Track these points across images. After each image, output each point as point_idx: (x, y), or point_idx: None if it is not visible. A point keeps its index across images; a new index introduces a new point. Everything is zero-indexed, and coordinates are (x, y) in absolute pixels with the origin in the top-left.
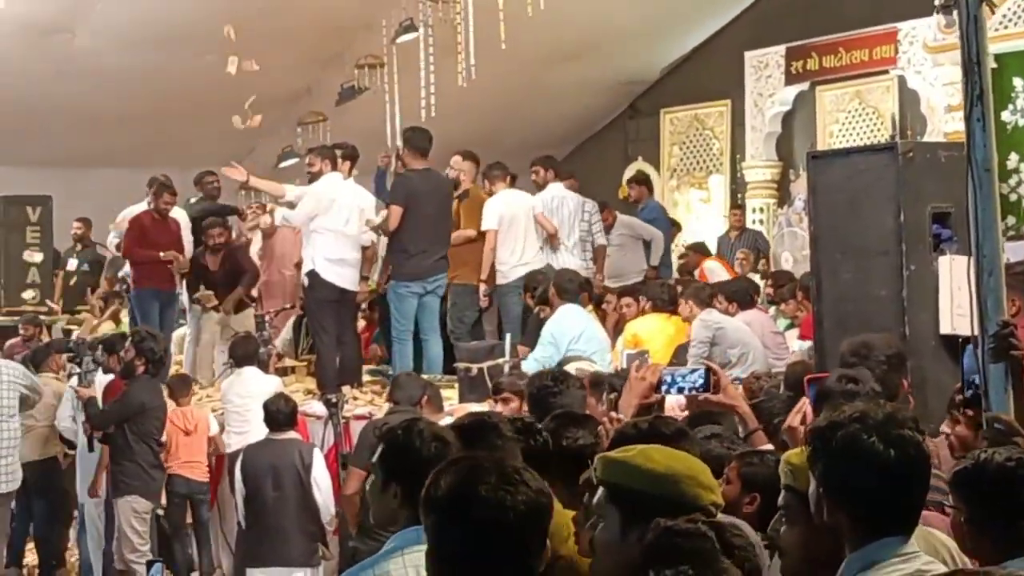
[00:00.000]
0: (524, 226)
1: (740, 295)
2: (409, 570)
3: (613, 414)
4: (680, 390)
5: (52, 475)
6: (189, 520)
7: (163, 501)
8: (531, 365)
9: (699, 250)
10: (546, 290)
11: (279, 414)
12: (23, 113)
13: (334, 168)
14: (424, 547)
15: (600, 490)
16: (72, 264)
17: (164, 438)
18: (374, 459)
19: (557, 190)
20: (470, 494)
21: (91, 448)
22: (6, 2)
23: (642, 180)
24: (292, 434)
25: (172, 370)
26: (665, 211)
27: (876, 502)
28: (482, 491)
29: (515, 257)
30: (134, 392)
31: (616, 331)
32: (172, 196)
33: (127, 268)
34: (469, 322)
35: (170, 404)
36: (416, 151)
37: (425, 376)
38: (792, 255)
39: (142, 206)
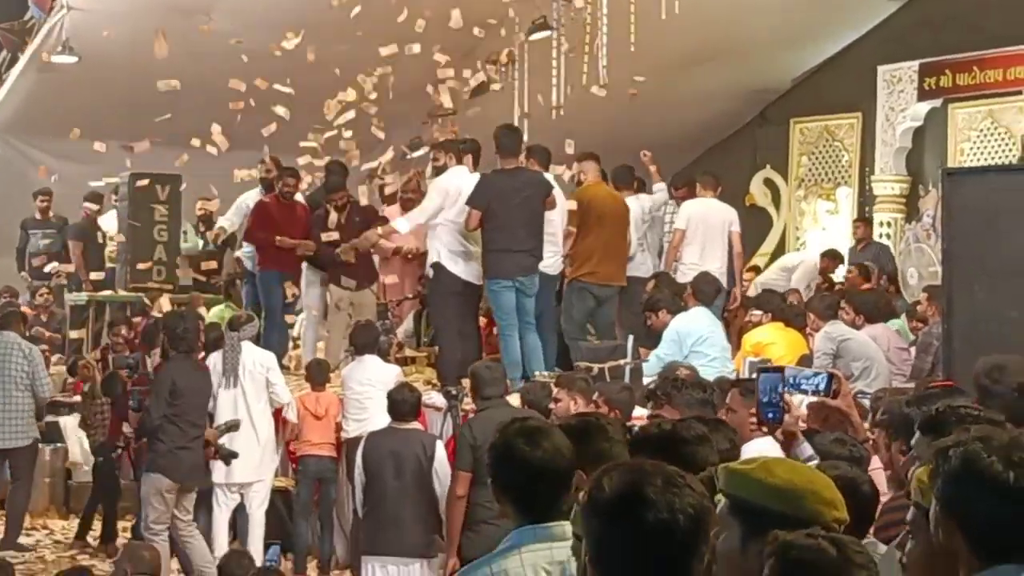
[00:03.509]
0: (714, 234)
1: (869, 307)
2: (527, 568)
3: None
4: (804, 391)
5: None
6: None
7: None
8: (653, 362)
9: (834, 256)
10: (654, 296)
11: (404, 404)
12: (156, 92)
13: (459, 162)
14: (542, 545)
15: (723, 500)
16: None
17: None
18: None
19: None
20: (638, 496)
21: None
22: None
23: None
24: (415, 424)
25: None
26: None
27: (992, 526)
28: (650, 493)
29: (697, 260)
30: (162, 372)
31: (739, 338)
32: (295, 180)
33: (246, 249)
34: (579, 318)
35: (305, 387)
36: (506, 151)
37: (538, 375)
38: (918, 271)
39: (255, 192)
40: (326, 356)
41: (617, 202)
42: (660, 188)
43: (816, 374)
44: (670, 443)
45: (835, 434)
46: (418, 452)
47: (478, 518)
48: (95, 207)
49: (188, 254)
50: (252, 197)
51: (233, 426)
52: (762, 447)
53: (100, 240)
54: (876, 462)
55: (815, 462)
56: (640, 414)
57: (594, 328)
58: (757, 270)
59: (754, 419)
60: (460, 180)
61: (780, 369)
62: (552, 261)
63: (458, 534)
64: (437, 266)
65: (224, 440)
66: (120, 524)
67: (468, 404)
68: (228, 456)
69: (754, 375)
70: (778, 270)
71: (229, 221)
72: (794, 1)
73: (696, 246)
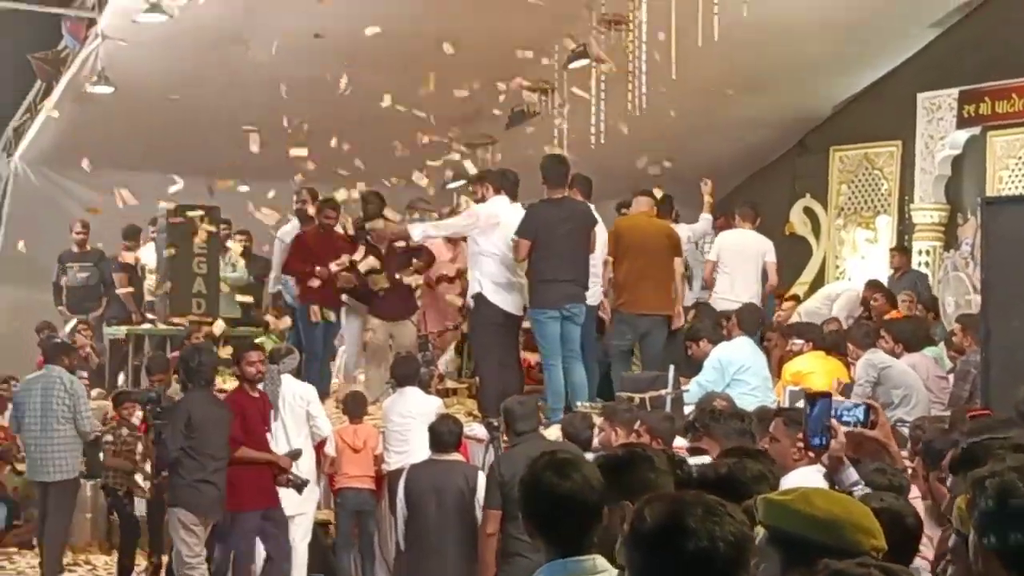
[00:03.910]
0: (747, 266)
1: (907, 336)
2: None
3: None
4: (846, 423)
5: None
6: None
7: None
8: (695, 389)
9: (877, 287)
10: (695, 326)
11: (446, 435)
12: (194, 123)
13: (497, 192)
14: None
15: (762, 531)
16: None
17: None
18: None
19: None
20: (679, 526)
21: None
22: (180, 10)
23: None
24: (456, 456)
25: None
26: None
27: None
28: (691, 522)
29: (728, 290)
30: (180, 406)
31: (779, 367)
32: (334, 212)
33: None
34: (619, 347)
35: (343, 420)
36: (552, 181)
37: (579, 405)
38: (955, 300)
39: (290, 226)
40: (366, 388)
41: (658, 231)
42: (704, 219)
43: (855, 405)
44: (729, 485)
45: (876, 464)
46: (460, 484)
47: (512, 551)
48: (131, 244)
49: (236, 285)
50: (289, 232)
51: (296, 455)
52: (803, 477)
53: (140, 273)
54: (914, 491)
55: (860, 486)
56: (681, 444)
57: (640, 358)
58: (797, 299)
59: (796, 449)
60: (497, 209)
61: (828, 395)
62: (592, 291)
63: (491, 571)
64: (478, 297)
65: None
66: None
67: None
68: (300, 485)
69: (801, 401)
70: (822, 299)
71: (276, 271)
72: (833, 29)
73: (727, 276)
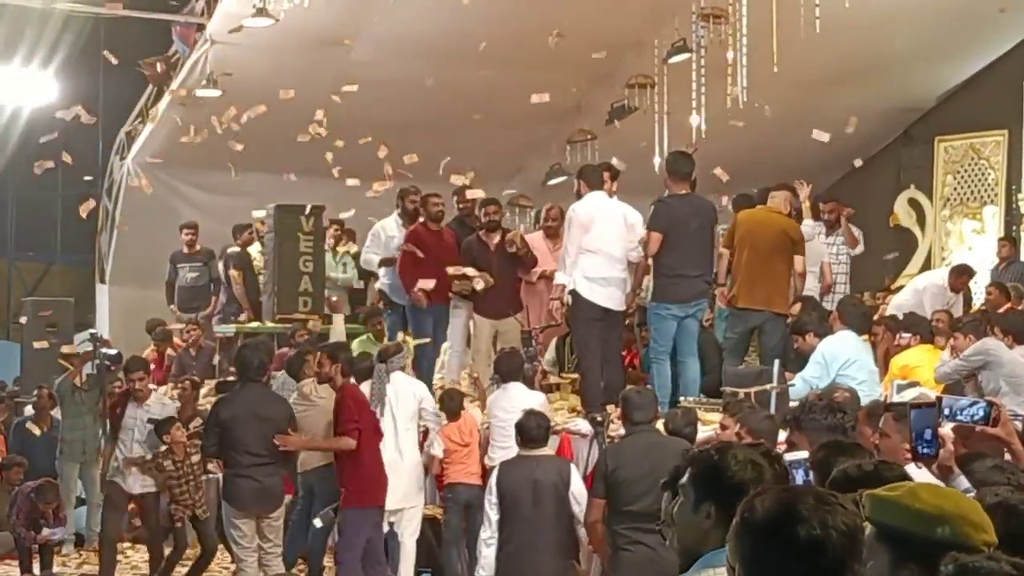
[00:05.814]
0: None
1: (1018, 329)
2: None
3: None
4: (960, 422)
5: (331, 480)
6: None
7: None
8: (800, 385)
9: (962, 272)
10: (801, 319)
11: (534, 430)
12: (299, 123)
13: (597, 188)
14: None
15: (869, 528)
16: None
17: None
18: (683, 480)
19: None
20: (792, 514)
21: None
22: (285, 14)
23: None
24: (546, 450)
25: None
26: None
27: None
28: (803, 511)
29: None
30: (216, 405)
31: (885, 361)
32: (438, 197)
33: (382, 280)
34: (729, 342)
35: (443, 418)
36: (677, 176)
37: (682, 400)
38: None
39: (391, 219)
40: (472, 384)
41: (776, 227)
42: (807, 224)
43: (973, 403)
44: (873, 483)
45: (994, 460)
46: (554, 479)
47: (615, 545)
48: (238, 245)
49: (345, 285)
50: (389, 226)
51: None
52: (915, 474)
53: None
54: None
55: (972, 494)
56: (783, 439)
57: (759, 354)
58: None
59: (907, 445)
60: (591, 207)
61: (933, 404)
62: None
63: (606, 554)
64: (574, 293)
65: None
66: None
67: (614, 430)
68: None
69: (908, 408)
70: (910, 292)
71: (373, 253)
72: (938, 18)
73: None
